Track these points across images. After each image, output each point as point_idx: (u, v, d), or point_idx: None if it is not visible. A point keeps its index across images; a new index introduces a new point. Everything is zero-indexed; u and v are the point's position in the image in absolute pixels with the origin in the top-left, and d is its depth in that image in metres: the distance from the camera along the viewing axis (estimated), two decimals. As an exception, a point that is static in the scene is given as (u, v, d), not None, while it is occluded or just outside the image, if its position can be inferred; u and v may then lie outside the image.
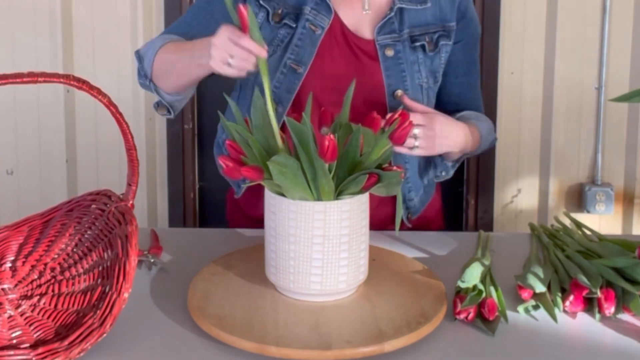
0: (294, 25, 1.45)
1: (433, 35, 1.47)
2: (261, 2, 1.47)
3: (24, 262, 1.21)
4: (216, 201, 2.55)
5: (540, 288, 1.17)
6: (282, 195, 1.14)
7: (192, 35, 1.47)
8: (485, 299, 1.14)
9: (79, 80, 1.03)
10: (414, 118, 1.32)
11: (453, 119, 1.45)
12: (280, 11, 1.46)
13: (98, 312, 1.05)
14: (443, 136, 1.38)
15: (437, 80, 1.52)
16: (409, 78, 1.46)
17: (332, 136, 1.06)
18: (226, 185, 1.75)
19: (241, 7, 1.15)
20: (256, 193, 1.51)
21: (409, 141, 1.34)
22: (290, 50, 1.45)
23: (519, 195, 2.88)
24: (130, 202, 1.20)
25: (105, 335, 1.04)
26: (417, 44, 1.46)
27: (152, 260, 1.34)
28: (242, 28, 1.16)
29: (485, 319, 1.12)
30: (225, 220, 1.77)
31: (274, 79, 1.46)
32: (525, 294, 1.18)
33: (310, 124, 1.12)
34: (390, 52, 1.45)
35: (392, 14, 1.46)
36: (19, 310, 1.14)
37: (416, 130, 1.34)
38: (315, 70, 1.45)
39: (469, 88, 1.58)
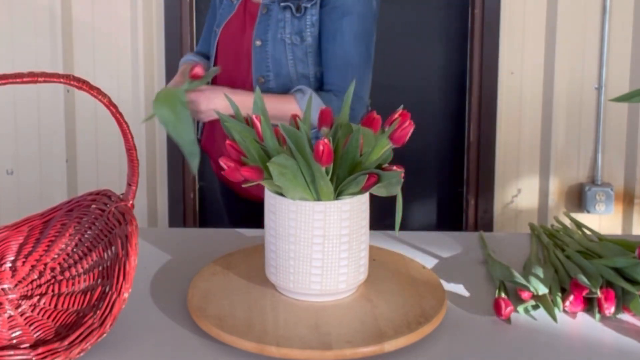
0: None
1: (300, 0, 1.71)
2: None
3: (24, 262, 1.21)
4: (216, 201, 2.55)
5: (542, 290, 1.17)
6: (282, 195, 1.14)
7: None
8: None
9: (79, 80, 1.03)
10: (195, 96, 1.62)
11: (236, 92, 1.63)
12: None
13: (98, 312, 1.05)
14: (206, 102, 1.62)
15: (304, 39, 1.71)
16: (270, 32, 1.73)
17: (326, 140, 1.07)
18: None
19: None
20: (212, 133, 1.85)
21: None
22: (218, 17, 1.86)
23: (519, 195, 2.88)
24: (130, 202, 1.20)
25: (105, 335, 1.04)
26: (285, 4, 1.72)
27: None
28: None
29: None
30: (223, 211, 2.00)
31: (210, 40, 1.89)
32: (525, 294, 1.18)
33: (304, 127, 1.13)
34: (264, 10, 1.75)
35: None
36: (19, 310, 1.14)
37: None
38: (224, 32, 1.82)
39: (331, 57, 1.71)
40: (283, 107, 1.65)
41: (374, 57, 1.77)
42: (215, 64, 1.83)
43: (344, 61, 1.70)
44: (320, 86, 1.74)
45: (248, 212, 1.84)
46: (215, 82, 1.80)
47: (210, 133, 1.87)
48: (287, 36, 1.71)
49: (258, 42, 1.73)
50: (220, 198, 2.05)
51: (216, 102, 1.59)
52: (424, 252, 1.41)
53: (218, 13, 1.87)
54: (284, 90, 1.73)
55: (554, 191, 2.86)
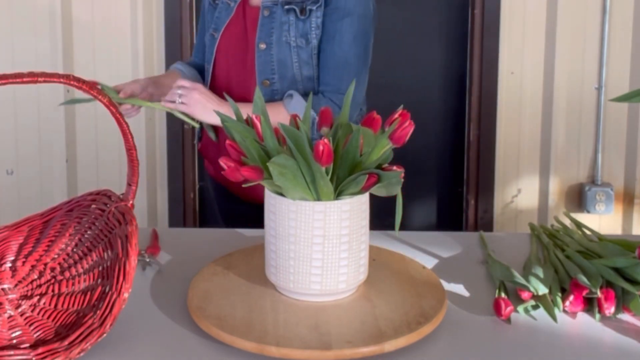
0: (218, 3, 1.83)
1: (303, 3, 1.70)
2: None
3: (24, 262, 1.21)
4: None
5: (542, 290, 1.17)
6: (282, 195, 1.14)
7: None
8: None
9: (79, 80, 1.03)
10: (180, 82, 1.64)
11: (223, 102, 1.65)
12: None
13: (98, 312, 1.05)
14: (202, 102, 1.63)
15: (309, 41, 1.70)
16: (275, 34, 1.71)
17: (326, 140, 1.07)
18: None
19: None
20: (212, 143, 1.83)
21: (173, 96, 1.63)
22: (214, 21, 1.82)
23: (519, 195, 2.88)
24: (130, 202, 1.19)
25: (105, 335, 1.04)
26: (289, 7, 1.70)
27: (147, 260, 1.35)
28: None
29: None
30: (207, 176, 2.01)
31: (206, 46, 1.86)
32: (525, 294, 1.18)
33: (304, 127, 1.13)
34: (267, 13, 1.72)
35: None
36: (19, 310, 1.14)
37: (179, 91, 1.62)
38: (225, 36, 1.79)
39: (329, 57, 1.70)
40: (274, 116, 1.63)
41: (370, 60, 1.77)
42: (214, 68, 1.81)
43: (341, 62, 1.70)
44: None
45: (245, 214, 1.83)
46: (215, 86, 1.79)
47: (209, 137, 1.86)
48: (292, 39, 1.70)
49: (262, 46, 1.71)
50: (215, 201, 2.04)
51: (208, 113, 1.61)
52: (424, 252, 1.41)
53: (213, 17, 1.83)
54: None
55: (554, 191, 2.86)
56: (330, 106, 1.57)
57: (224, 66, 1.79)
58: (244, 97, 1.71)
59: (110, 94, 1.63)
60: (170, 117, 2.85)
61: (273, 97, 1.71)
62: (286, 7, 1.69)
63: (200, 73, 1.90)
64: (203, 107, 1.61)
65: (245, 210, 1.83)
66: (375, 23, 1.75)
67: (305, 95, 1.69)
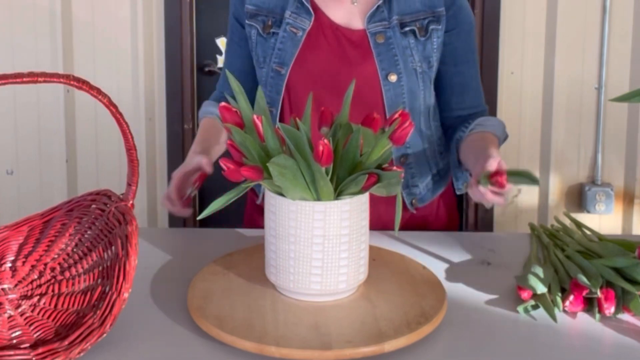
0: (278, 31, 1.53)
1: (423, 21, 1.51)
2: (248, 22, 1.56)
3: (24, 262, 1.21)
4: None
5: (541, 289, 1.17)
6: (282, 195, 1.14)
7: (240, 69, 1.61)
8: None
9: (79, 80, 1.03)
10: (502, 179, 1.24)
11: (496, 148, 1.42)
12: (270, 22, 1.54)
13: (98, 312, 1.05)
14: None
15: (431, 65, 1.54)
16: (401, 62, 1.50)
17: (326, 141, 1.06)
18: (225, 185, 1.75)
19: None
20: None
21: (511, 193, 1.27)
22: (275, 54, 1.53)
23: (519, 195, 2.88)
24: (130, 202, 1.19)
25: (105, 335, 1.04)
26: (407, 29, 1.50)
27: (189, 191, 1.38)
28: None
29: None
30: (243, 223, 1.79)
31: (266, 84, 1.55)
32: (525, 294, 1.18)
33: (304, 127, 1.12)
34: (381, 39, 1.50)
35: (381, 2, 1.51)
36: (19, 310, 1.14)
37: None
38: (297, 70, 1.51)
39: (470, 77, 1.58)
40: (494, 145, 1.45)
41: None
42: (286, 108, 1.55)
43: (479, 78, 1.59)
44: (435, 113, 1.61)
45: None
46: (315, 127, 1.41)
47: None
48: (417, 64, 1.51)
49: (393, 77, 1.50)
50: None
51: None
52: (424, 252, 1.41)
53: (267, 50, 1.55)
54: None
55: (554, 191, 2.86)
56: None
57: (300, 105, 1.52)
58: None
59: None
60: (170, 117, 2.86)
61: None
62: (406, 29, 1.50)
63: None
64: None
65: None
66: None
67: None
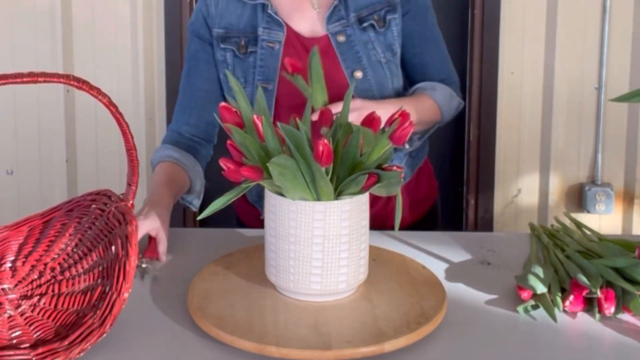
0: (255, 49, 1.54)
1: (380, 12, 1.55)
2: (222, 45, 1.56)
3: (24, 262, 1.21)
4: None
5: (541, 289, 1.17)
6: (282, 195, 1.14)
7: (208, 90, 1.59)
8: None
9: (79, 80, 1.03)
10: (351, 117, 1.30)
11: (382, 103, 1.47)
12: (243, 42, 1.55)
13: (98, 312, 1.05)
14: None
15: (395, 52, 1.58)
16: (364, 57, 1.54)
17: (326, 141, 1.06)
18: (224, 185, 1.75)
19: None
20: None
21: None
22: (258, 72, 1.54)
23: (519, 195, 2.88)
24: (130, 202, 1.20)
25: (105, 335, 1.04)
26: (366, 24, 1.54)
27: (144, 266, 1.31)
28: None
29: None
30: (237, 219, 1.82)
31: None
32: (524, 294, 1.18)
33: (304, 127, 1.12)
34: (342, 38, 1.54)
35: (337, 1, 1.54)
36: (19, 310, 1.14)
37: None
38: (283, 83, 1.52)
39: (429, 56, 1.62)
40: (425, 109, 1.56)
41: None
42: (276, 122, 1.58)
43: (443, 56, 1.64)
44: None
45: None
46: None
47: None
48: (381, 56, 1.55)
49: (358, 74, 1.53)
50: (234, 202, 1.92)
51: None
52: (424, 252, 1.41)
53: (247, 69, 1.55)
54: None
55: (554, 191, 2.86)
56: (459, 95, 1.60)
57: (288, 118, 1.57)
58: None
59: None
60: (170, 117, 2.85)
61: None
62: (363, 24, 1.54)
63: (192, 148, 1.60)
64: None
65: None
66: None
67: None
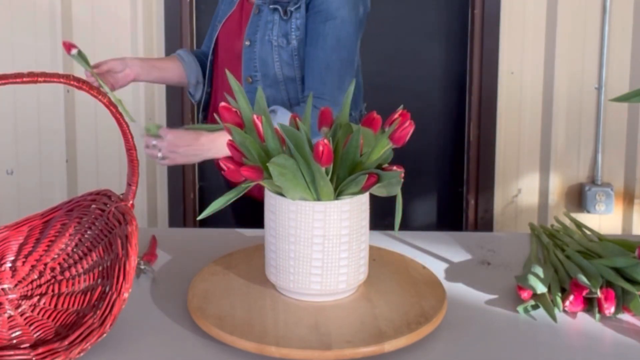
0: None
1: (287, 3, 1.73)
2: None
3: (24, 262, 1.21)
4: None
5: (541, 289, 1.17)
6: (282, 195, 1.14)
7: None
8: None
9: (79, 80, 1.03)
10: (147, 139, 1.59)
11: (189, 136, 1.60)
12: None
13: (98, 312, 1.05)
14: (185, 154, 1.58)
15: (289, 42, 1.73)
16: (259, 32, 1.75)
17: (326, 141, 1.07)
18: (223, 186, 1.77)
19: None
20: None
21: (154, 152, 1.58)
22: (220, 12, 1.90)
23: (519, 195, 2.88)
24: (130, 202, 1.20)
25: (105, 335, 1.04)
26: (273, 6, 1.74)
27: (142, 267, 1.32)
28: None
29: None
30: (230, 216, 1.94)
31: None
32: (524, 294, 1.18)
33: (304, 127, 1.12)
34: (257, 11, 1.77)
35: None
36: (19, 310, 1.14)
37: (154, 142, 1.58)
38: (224, 27, 1.85)
39: (311, 59, 1.71)
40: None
41: (358, 63, 1.76)
42: (214, 59, 1.85)
43: (324, 65, 1.69)
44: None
45: (253, 211, 1.81)
46: (215, 75, 1.84)
47: None
48: (274, 38, 1.73)
49: (247, 42, 1.75)
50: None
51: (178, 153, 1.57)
52: (424, 252, 1.41)
53: (220, 8, 1.90)
54: (272, 91, 1.73)
55: (554, 191, 2.86)
56: (314, 111, 1.57)
57: (222, 57, 1.84)
58: None
59: (81, 63, 1.68)
60: (171, 117, 2.86)
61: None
62: (272, 6, 1.73)
63: (205, 61, 1.91)
64: (185, 157, 1.59)
65: (255, 207, 1.81)
66: (363, 26, 1.74)
67: (288, 106, 1.71)
